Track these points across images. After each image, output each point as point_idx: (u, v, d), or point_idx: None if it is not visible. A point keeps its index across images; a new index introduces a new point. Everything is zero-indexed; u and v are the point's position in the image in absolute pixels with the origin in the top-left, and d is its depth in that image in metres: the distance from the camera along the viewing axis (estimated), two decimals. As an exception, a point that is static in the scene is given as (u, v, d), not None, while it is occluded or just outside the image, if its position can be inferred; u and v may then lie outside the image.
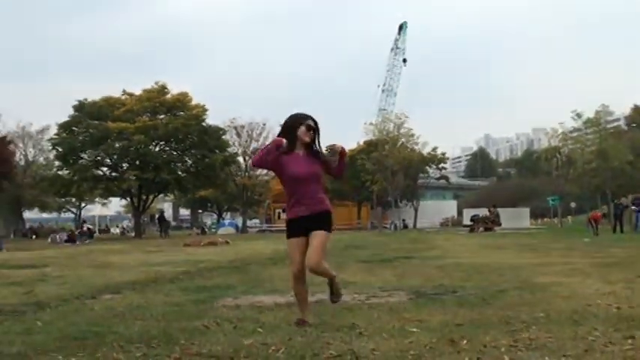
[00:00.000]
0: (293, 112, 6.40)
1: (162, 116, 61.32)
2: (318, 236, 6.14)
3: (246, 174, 72.70)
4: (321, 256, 6.15)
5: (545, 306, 7.28)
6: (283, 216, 76.92)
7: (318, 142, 6.38)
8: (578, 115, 60.25)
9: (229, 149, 67.64)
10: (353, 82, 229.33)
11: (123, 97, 62.47)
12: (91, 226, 66.41)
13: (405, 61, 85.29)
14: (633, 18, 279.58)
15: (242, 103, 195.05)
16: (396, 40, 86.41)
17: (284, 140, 6.06)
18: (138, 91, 62.81)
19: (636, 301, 7.49)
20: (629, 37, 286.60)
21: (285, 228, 6.42)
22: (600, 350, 4.95)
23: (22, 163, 71.80)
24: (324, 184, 6.53)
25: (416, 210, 78.25)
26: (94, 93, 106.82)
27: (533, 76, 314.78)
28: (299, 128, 6.21)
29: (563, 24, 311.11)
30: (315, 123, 6.29)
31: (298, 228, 6.25)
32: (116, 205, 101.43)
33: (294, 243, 6.27)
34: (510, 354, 4.86)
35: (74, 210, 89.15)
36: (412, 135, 76.22)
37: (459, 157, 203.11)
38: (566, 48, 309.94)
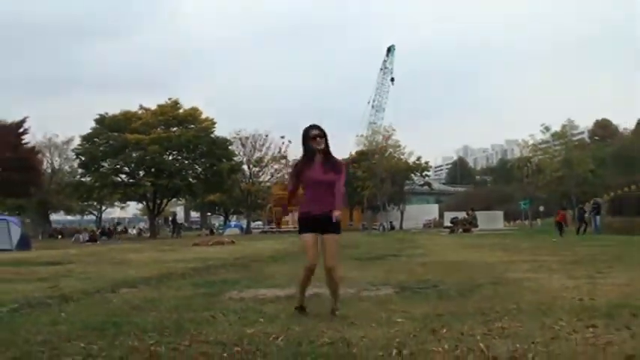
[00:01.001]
0: (305, 126, 6.49)
1: (174, 129, 61.45)
2: (332, 241, 6.26)
3: (250, 180, 72.63)
4: (338, 259, 6.37)
5: (516, 299, 7.29)
6: (285, 218, 77.22)
7: (329, 146, 6.41)
8: (547, 129, 60.50)
9: (235, 158, 67.81)
10: (348, 97, 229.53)
11: (139, 112, 62.64)
12: (112, 227, 66.44)
13: (392, 80, 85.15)
14: (595, 44, 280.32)
15: (247, 116, 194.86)
16: (385, 61, 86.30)
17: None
18: (153, 106, 63.07)
19: (597, 295, 7.50)
20: (592, 59, 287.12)
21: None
22: (565, 338, 4.96)
23: (49, 170, 71.79)
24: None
25: (402, 213, 78.30)
26: (114, 108, 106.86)
27: (507, 93, 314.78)
28: (312, 141, 6.30)
29: (535, 48, 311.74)
30: (320, 129, 6.36)
31: (309, 225, 6.31)
32: (133, 208, 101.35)
33: (307, 238, 6.31)
34: (485, 341, 4.87)
35: (95, 213, 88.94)
36: (399, 146, 76.61)
37: (440, 166, 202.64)
38: (537, 68, 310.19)
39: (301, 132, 6.43)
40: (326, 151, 6.35)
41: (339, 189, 6.29)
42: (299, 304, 6.53)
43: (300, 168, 6.42)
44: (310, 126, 6.39)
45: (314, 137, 6.27)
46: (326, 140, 6.36)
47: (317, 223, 6.27)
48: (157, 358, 4.58)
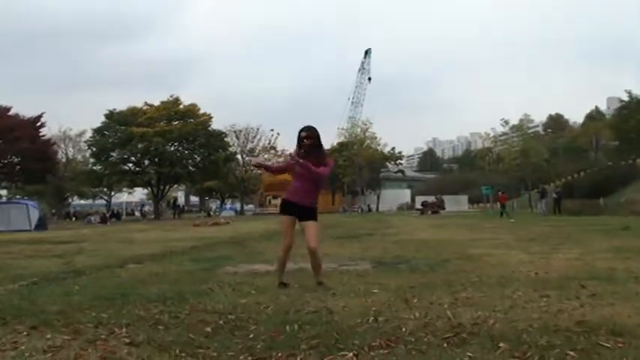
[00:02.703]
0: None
1: (176, 122, 61.32)
2: (311, 226, 6.25)
3: (244, 169, 72.56)
4: (318, 242, 6.33)
5: (478, 272, 7.32)
6: (274, 202, 77.13)
7: (321, 147, 6.36)
8: (506, 122, 60.52)
9: (230, 149, 67.75)
10: (330, 96, 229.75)
11: (144, 108, 62.44)
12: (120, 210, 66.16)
13: (369, 79, 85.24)
14: (548, 46, 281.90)
15: (240, 111, 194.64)
16: (363, 62, 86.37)
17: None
18: (156, 103, 62.84)
19: (550, 268, 7.55)
20: (547, 59, 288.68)
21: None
22: (522, 306, 4.99)
23: (64, 160, 71.24)
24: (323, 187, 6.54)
25: (378, 197, 78.65)
26: (121, 104, 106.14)
27: (471, 90, 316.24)
28: (301, 139, 6.25)
29: (497, 52, 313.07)
30: (310, 132, 6.27)
31: (289, 209, 6.30)
32: (139, 193, 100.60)
33: (286, 220, 6.31)
34: (452, 309, 4.89)
35: (105, 198, 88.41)
36: (375, 138, 76.67)
37: (412, 155, 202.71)
38: (496, 68, 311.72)
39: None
40: (317, 148, 6.28)
41: (322, 170, 6.25)
42: (280, 280, 6.50)
43: (293, 164, 6.31)
44: (302, 128, 6.33)
45: (303, 138, 6.22)
46: (318, 139, 6.29)
47: (296, 210, 6.27)
48: (161, 325, 4.55)
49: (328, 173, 6.42)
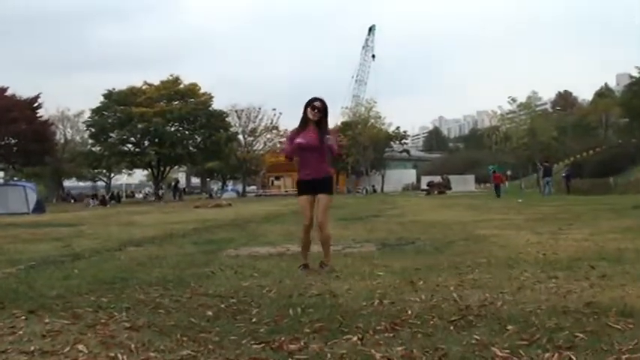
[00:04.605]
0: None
1: (176, 102, 61.43)
2: (322, 199, 6.27)
3: (245, 149, 72.54)
4: (328, 216, 6.36)
5: (485, 253, 7.31)
6: (277, 183, 77.22)
7: (326, 122, 6.37)
8: (513, 100, 60.40)
9: (231, 129, 67.74)
10: (332, 74, 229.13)
11: (144, 87, 62.49)
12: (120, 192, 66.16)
13: (373, 56, 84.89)
14: (557, 24, 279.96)
15: (242, 90, 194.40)
16: (367, 39, 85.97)
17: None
18: (156, 82, 62.81)
19: (559, 249, 7.53)
20: (555, 37, 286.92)
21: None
22: (530, 288, 4.97)
23: (62, 141, 71.40)
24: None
25: (383, 177, 78.69)
26: (120, 83, 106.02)
27: (478, 68, 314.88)
28: (309, 109, 6.23)
29: (505, 28, 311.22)
30: (323, 104, 6.27)
31: (306, 188, 6.33)
32: (139, 175, 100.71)
33: (304, 200, 6.34)
34: (458, 292, 4.87)
35: (105, 179, 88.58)
36: (379, 117, 76.63)
37: (417, 135, 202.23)
38: (505, 46, 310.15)
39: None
40: (320, 124, 6.27)
41: (332, 146, 6.25)
42: (303, 262, 6.47)
43: (294, 134, 6.37)
44: (315, 97, 6.31)
45: (313, 108, 6.20)
46: (325, 115, 6.29)
47: (311, 186, 6.30)
48: (161, 309, 4.56)
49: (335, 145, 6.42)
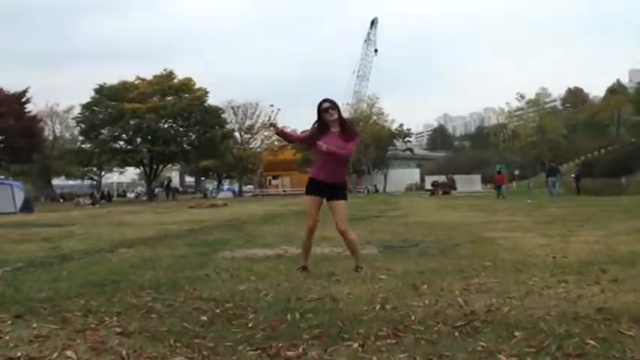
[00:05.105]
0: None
1: (169, 98, 61.41)
2: (339, 205, 6.28)
3: (242, 147, 72.52)
4: (347, 223, 6.40)
5: (492, 256, 7.31)
6: (275, 182, 77.23)
7: (346, 124, 6.40)
8: (522, 97, 60.58)
9: (227, 126, 67.72)
10: (332, 73, 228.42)
11: (136, 82, 62.47)
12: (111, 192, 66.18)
13: (376, 51, 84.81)
14: (568, 20, 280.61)
15: (238, 86, 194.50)
16: (369, 33, 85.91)
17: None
18: (149, 77, 62.79)
19: (569, 252, 7.53)
20: (565, 33, 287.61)
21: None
22: (538, 293, 4.97)
23: (51, 137, 71.36)
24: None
25: (385, 177, 78.63)
26: (112, 78, 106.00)
27: (485, 63, 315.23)
28: (322, 113, 6.23)
29: (512, 24, 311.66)
30: (331, 102, 6.30)
31: (313, 188, 6.34)
32: (131, 173, 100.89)
33: (311, 200, 6.35)
34: (463, 296, 4.87)
35: (95, 178, 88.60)
36: (382, 114, 76.65)
37: (421, 132, 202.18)
38: (514, 41, 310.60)
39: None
40: (342, 122, 6.30)
41: (348, 147, 6.23)
42: (302, 264, 6.49)
43: (316, 133, 6.31)
44: (323, 100, 6.33)
45: (326, 109, 6.21)
46: (338, 111, 6.30)
47: (324, 189, 6.29)
48: (153, 314, 4.56)
49: (354, 148, 6.45)
